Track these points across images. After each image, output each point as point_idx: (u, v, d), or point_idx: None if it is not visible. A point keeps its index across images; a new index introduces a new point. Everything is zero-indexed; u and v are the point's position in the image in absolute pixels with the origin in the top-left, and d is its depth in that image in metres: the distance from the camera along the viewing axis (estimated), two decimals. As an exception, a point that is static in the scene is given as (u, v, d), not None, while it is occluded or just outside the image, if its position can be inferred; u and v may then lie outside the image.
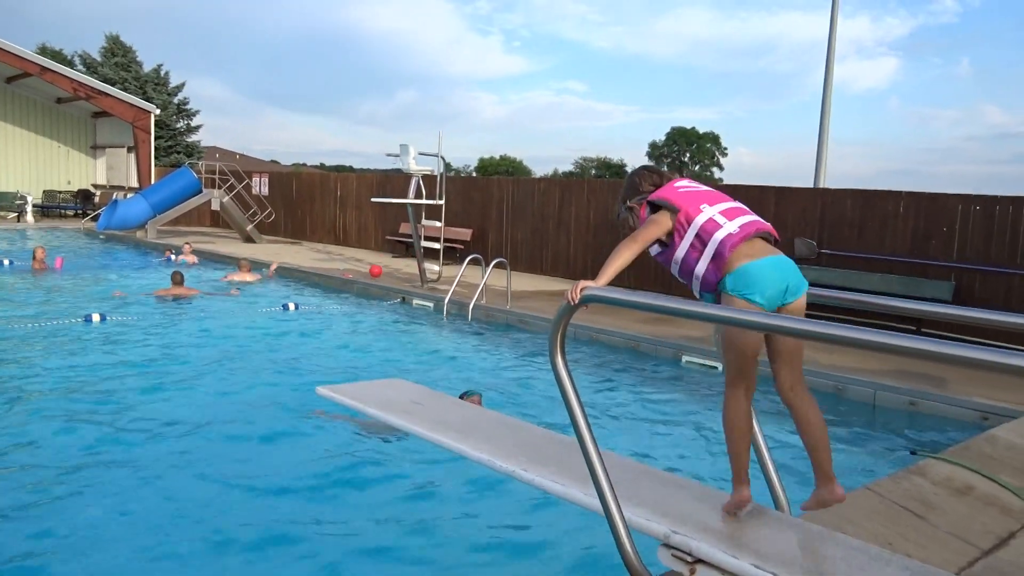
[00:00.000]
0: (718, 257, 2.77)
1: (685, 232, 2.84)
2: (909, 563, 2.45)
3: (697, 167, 77.21)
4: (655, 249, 2.95)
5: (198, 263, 16.78)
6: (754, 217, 2.89)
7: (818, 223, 12.22)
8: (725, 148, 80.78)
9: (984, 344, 1.89)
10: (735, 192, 13.77)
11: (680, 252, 2.87)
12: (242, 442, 5.94)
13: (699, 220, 2.83)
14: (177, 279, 12.39)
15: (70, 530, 4.37)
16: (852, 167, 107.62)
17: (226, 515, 4.63)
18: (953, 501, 4.64)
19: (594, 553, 4.00)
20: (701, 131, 77.87)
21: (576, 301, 2.61)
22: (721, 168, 79.04)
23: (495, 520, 4.65)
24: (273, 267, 15.06)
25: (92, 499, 4.77)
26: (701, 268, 2.81)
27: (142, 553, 4.13)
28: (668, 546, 2.53)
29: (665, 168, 3.61)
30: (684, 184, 3.02)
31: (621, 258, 2.80)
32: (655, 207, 2.93)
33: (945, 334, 10.11)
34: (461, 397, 6.11)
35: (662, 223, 2.87)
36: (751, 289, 2.72)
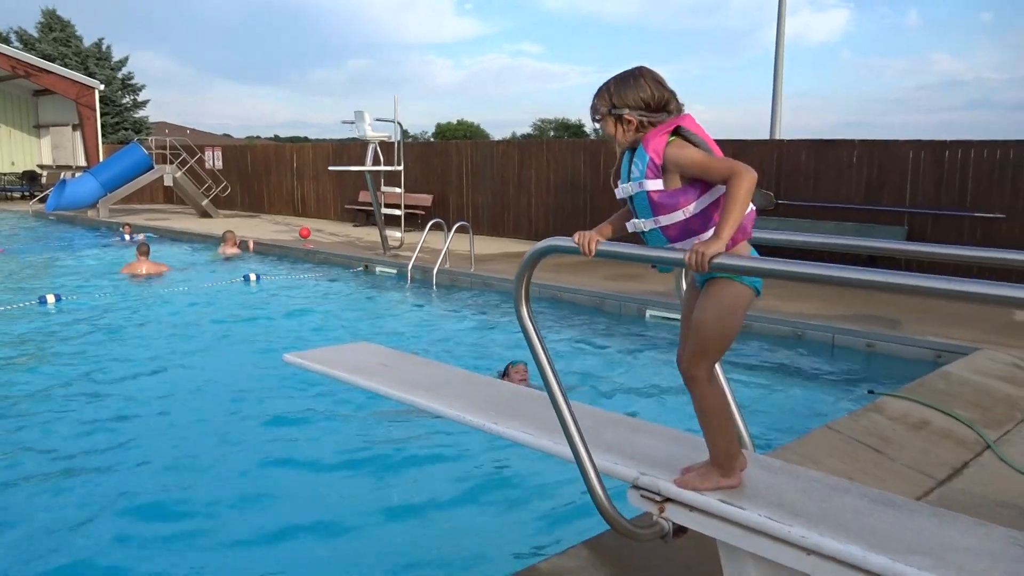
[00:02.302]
0: (744, 227, 2.41)
1: (709, 188, 2.40)
2: (868, 491, 2.55)
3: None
4: (654, 185, 2.41)
5: (241, 255, 14.41)
6: None
7: (775, 175, 12.37)
8: (683, 105, 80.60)
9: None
10: (692, 147, 13.87)
11: (692, 208, 2.40)
12: (208, 415, 5.92)
13: None
14: (143, 250, 12.14)
15: (40, 512, 4.34)
16: (807, 120, 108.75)
17: (196, 485, 4.63)
18: (910, 436, 4.82)
19: (567, 501, 4.10)
20: (656, 88, 77.73)
21: (706, 269, 2.21)
22: (678, 125, 79.14)
23: (472, 474, 4.73)
24: (251, 243, 14.76)
25: (49, 488, 4.73)
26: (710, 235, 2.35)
27: (105, 529, 4.12)
28: (637, 487, 2.60)
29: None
30: (701, 128, 2.48)
31: (743, 197, 2.25)
32: (679, 136, 2.40)
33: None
34: (506, 368, 6.10)
35: None
36: (757, 279, 2.45)
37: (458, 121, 76.85)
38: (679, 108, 2.49)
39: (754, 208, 2.44)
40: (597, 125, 2.56)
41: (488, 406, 3.19)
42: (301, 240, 15.47)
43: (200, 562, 3.80)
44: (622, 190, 2.54)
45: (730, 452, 2.51)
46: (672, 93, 2.49)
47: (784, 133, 17.09)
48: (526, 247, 14.48)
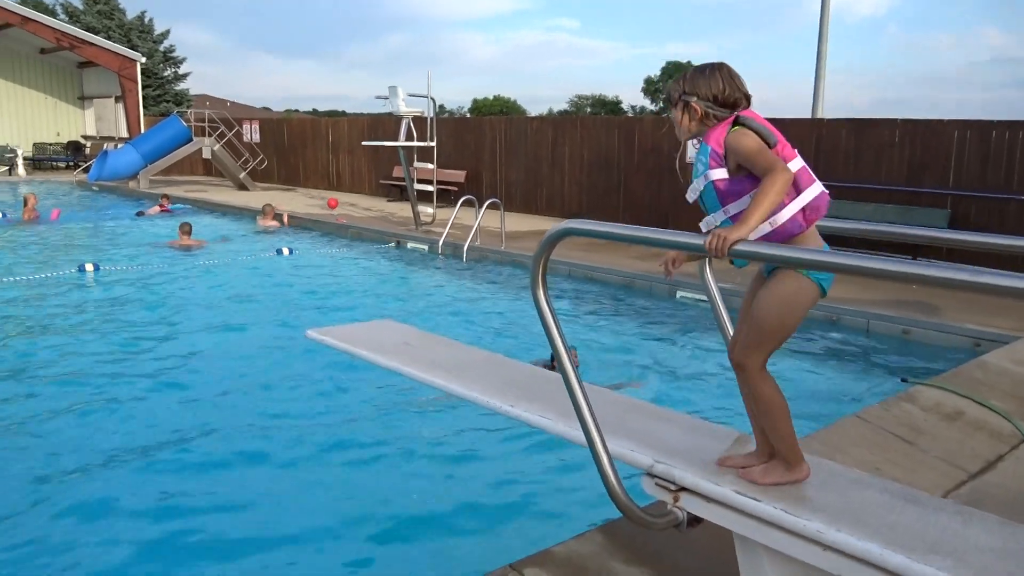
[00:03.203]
0: (813, 208, 2.38)
1: None
2: (889, 485, 2.48)
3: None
4: (719, 173, 2.40)
5: (280, 227, 14.50)
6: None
7: (813, 155, 12.10)
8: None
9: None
10: (730, 125, 13.62)
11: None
12: (237, 386, 6.00)
13: (795, 165, 2.36)
14: (185, 229, 12.33)
15: (76, 477, 4.43)
16: (849, 97, 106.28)
17: (215, 451, 4.70)
18: (942, 426, 4.70)
19: (582, 487, 4.07)
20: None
21: (724, 254, 2.22)
22: (718, 102, 77.98)
23: (486, 456, 4.73)
24: (285, 216, 14.87)
25: (82, 448, 4.83)
26: (787, 214, 2.34)
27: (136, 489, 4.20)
28: (652, 475, 2.56)
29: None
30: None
31: (774, 192, 2.26)
32: (740, 126, 2.39)
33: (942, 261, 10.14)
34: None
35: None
36: (828, 275, 2.42)
37: (494, 97, 76.55)
38: (746, 109, 2.48)
39: (823, 196, 2.39)
40: (673, 111, 2.58)
41: (508, 389, 3.16)
42: (334, 215, 15.54)
43: (219, 527, 3.85)
44: (692, 191, 2.52)
45: (790, 444, 2.46)
46: (745, 95, 2.48)
47: (826, 111, 16.74)
48: (559, 225, 14.39)
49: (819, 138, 12.08)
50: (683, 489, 2.49)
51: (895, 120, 11.38)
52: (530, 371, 3.44)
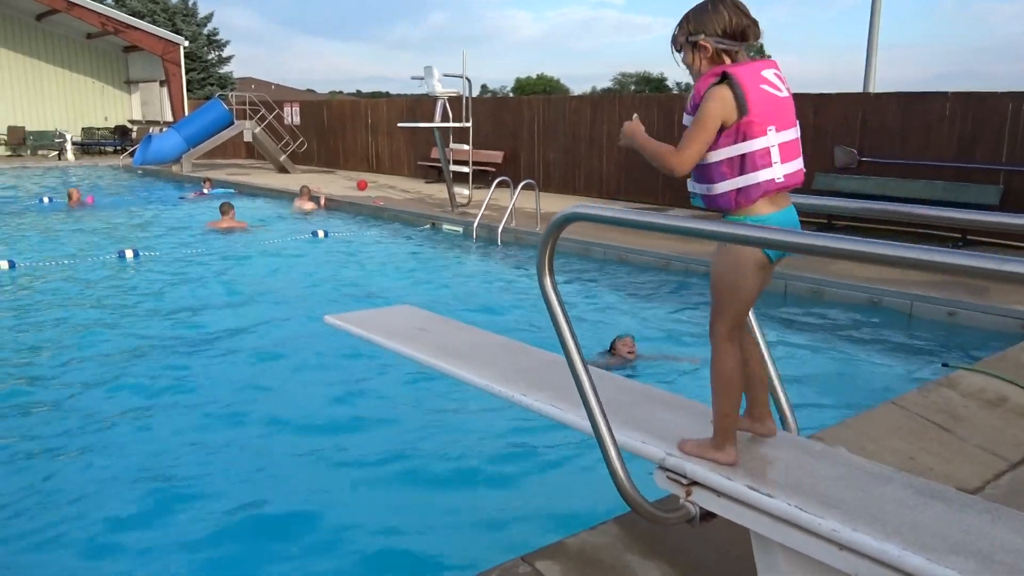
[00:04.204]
0: (746, 194, 2.39)
1: (733, 144, 2.37)
2: (913, 480, 2.36)
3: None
4: (688, 120, 2.42)
5: (317, 209, 14.67)
6: (800, 164, 2.45)
7: (859, 130, 11.74)
8: (770, 55, 77.69)
9: None
10: (772, 101, 13.27)
11: (711, 156, 2.39)
12: (264, 367, 6.04)
13: (755, 145, 2.35)
14: (225, 209, 12.47)
15: (120, 453, 4.50)
16: (903, 71, 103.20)
17: (244, 443, 4.73)
18: (984, 413, 4.51)
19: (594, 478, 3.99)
20: (744, 39, 75.04)
21: (620, 142, 2.54)
22: (765, 77, 76.41)
23: (495, 444, 4.67)
24: (323, 199, 14.96)
25: (110, 435, 4.89)
26: (721, 188, 2.41)
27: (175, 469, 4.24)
28: (664, 468, 2.47)
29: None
30: (769, 82, 2.40)
31: (654, 158, 2.45)
32: (725, 82, 2.34)
33: (994, 241, 9.77)
34: (613, 342, 6.00)
35: (725, 111, 2.33)
36: None
37: (537, 76, 76.01)
38: (757, 36, 2.46)
39: (776, 180, 2.39)
40: (679, 57, 2.55)
41: (520, 376, 3.09)
42: (370, 197, 15.57)
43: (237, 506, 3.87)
44: (686, 120, 2.52)
45: (725, 425, 2.45)
46: (752, 21, 2.44)
47: (879, 85, 16.21)
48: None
49: (864, 112, 11.71)
50: (695, 483, 2.40)
51: (945, 93, 10.96)
52: (546, 358, 3.35)
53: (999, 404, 4.62)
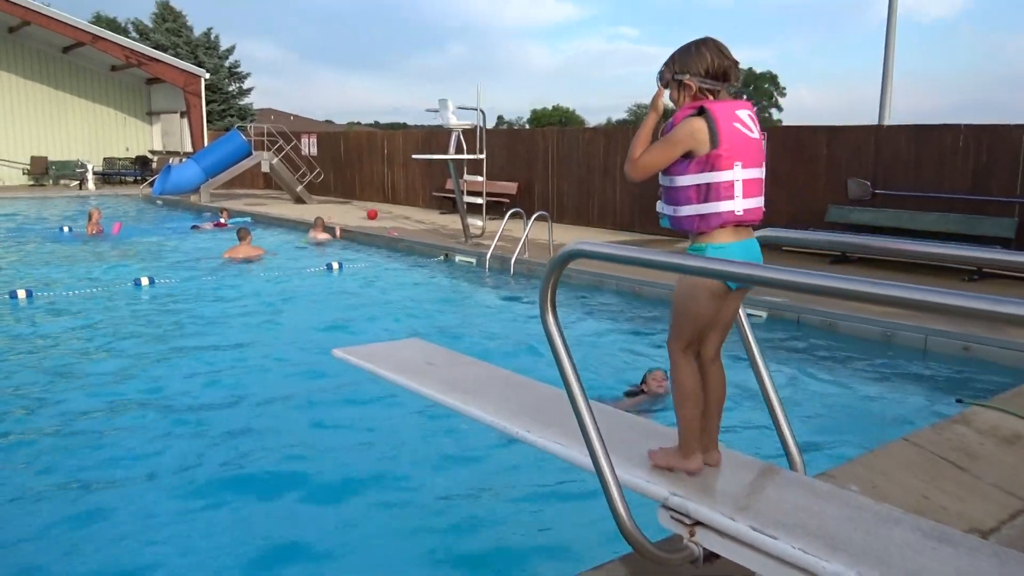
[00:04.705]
0: (707, 221, 2.57)
1: (700, 172, 2.55)
2: (921, 522, 2.32)
3: (755, 109, 74.91)
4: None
5: (332, 240, 14.73)
6: (760, 203, 2.64)
7: (872, 162, 11.73)
8: (784, 88, 78.23)
9: None
10: (785, 134, 13.31)
11: (679, 180, 2.59)
12: (276, 404, 6.04)
13: (721, 177, 2.54)
14: (243, 235, 12.56)
15: (123, 487, 4.51)
16: (918, 102, 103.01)
17: (254, 475, 4.72)
18: (999, 451, 4.44)
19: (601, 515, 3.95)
20: (758, 71, 75.41)
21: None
22: (780, 109, 76.64)
23: (501, 479, 4.64)
24: (338, 229, 15.08)
25: (129, 454, 4.91)
26: (685, 212, 2.60)
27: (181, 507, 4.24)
28: (667, 508, 2.45)
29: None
30: (742, 121, 2.59)
31: (634, 153, 2.63)
32: (701, 115, 2.54)
33: (1011, 275, 9.68)
34: (644, 376, 5.98)
35: (697, 141, 2.53)
36: None
37: (553, 107, 76.60)
38: (737, 77, 2.67)
39: (736, 212, 2.57)
40: (666, 93, 2.74)
41: (525, 412, 3.09)
42: (385, 228, 15.67)
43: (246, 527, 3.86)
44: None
45: (688, 435, 2.61)
46: (733, 63, 2.66)
47: (895, 116, 16.20)
48: (611, 236, 14.28)
49: (877, 143, 11.70)
50: (698, 523, 2.38)
51: (958, 125, 10.94)
52: (553, 393, 3.34)
53: (1015, 442, 4.55)
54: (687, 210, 2.60)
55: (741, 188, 2.57)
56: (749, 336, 2.94)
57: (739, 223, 2.59)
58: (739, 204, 2.56)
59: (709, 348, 2.70)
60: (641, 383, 5.98)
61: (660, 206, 2.72)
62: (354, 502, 4.40)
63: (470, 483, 4.62)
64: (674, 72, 2.66)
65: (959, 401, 5.34)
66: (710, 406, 2.70)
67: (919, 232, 10.54)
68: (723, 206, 2.55)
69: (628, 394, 5.90)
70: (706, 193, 2.57)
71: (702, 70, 2.61)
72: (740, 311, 2.96)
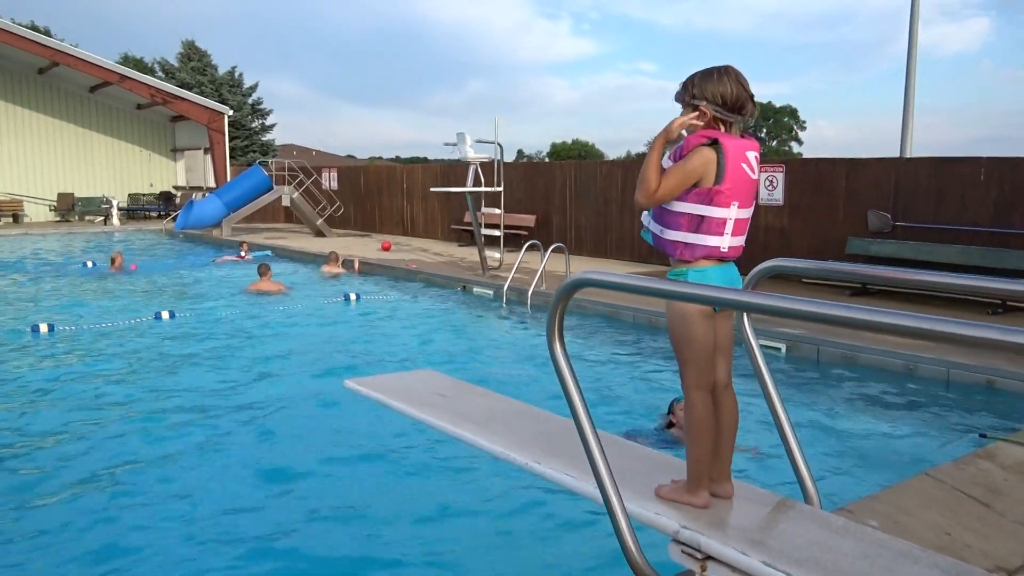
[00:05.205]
0: (692, 250, 2.61)
1: (698, 203, 2.57)
2: (940, 559, 2.26)
3: (775, 143, 75.04)
4: (667, 164, 2.63)
5: (346, 274, 14.76)
6: (743, 240, 2.67)
7: (892, 195, 11.65)
8: (804, 122, 78.30)
9: None
10: (804, 166, 13.28)
11: (675, 205, 2.60)
12: (288, 435, 6.03)
13: (716, 213, 2.56)
14: (263, 271, 12.67)
15: (138, 518, 4.50)
16: (939, 135, 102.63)
17: (268, 509, 4.70)
18: (1024, 487, 4.33)
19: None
20: (778, 105, 75.57)
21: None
22: (800, 143, 76.65)
23: (504, 511, 4.59)
24: (357, 263, 15.16)
25: (134, 497, 4.90)
26: (672, 236, 2.64)
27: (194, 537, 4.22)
28: (678, 542, 2.40)
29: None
30: (748, 162, 2.59)
31: (643, 175, 2.60)
32: (714, 147, 2.55)
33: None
34: (671, 406, 5.95)
35: (707, 172, 2.53)
36: None
37: (572, 141, 77.09)
38: (752, 113, 2.65)
39: (721, 248, 2.60)
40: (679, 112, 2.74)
41: (535, 443, 3.06)
42: (403, 260, 15.75)
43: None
44: (665, 162, 2.71)
45: (697, 471, 2.57)
46: (750, 96, 2.63)
47: (915, 150, 16.12)
48: (629, 268, 14.25)
49: (897, 176, 11.63)
50: (709, 558, 2.33)
51: (979, 158, 10.86)
52: (561, 424, 3.31)
53: (1040, 477, 4.43)
54: (674, 235, 2.63)
55: (732, 226, 2.59)
56: (763, 368, 2.90)
57: (721, 258, 2.62)
58: (726, 241, 2.59)
59: (720, 374, 2.67)
60: (669, 413, 5.92)
61: (646, 218, 2.75)
62: (361, 531, 4.35)
63: (478, 515, 4.56)
64: (692, 95, 2.63)
65: (983, 436, 5.22)
66: (723, 433, 2.67)
67: (941, 264, 10.42)
68: (711, 240, 2.58)
69: (668, 426, 5.85)
70: (698, 224, 2.58)
71: (720, 99, 2.58)
72: (753, 343, 2.93)
